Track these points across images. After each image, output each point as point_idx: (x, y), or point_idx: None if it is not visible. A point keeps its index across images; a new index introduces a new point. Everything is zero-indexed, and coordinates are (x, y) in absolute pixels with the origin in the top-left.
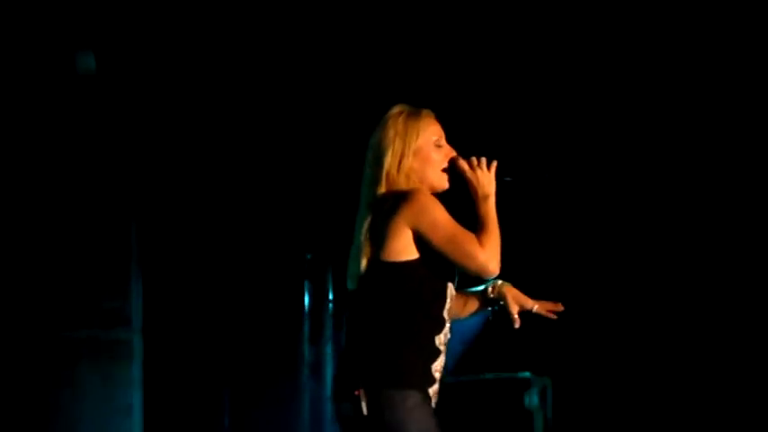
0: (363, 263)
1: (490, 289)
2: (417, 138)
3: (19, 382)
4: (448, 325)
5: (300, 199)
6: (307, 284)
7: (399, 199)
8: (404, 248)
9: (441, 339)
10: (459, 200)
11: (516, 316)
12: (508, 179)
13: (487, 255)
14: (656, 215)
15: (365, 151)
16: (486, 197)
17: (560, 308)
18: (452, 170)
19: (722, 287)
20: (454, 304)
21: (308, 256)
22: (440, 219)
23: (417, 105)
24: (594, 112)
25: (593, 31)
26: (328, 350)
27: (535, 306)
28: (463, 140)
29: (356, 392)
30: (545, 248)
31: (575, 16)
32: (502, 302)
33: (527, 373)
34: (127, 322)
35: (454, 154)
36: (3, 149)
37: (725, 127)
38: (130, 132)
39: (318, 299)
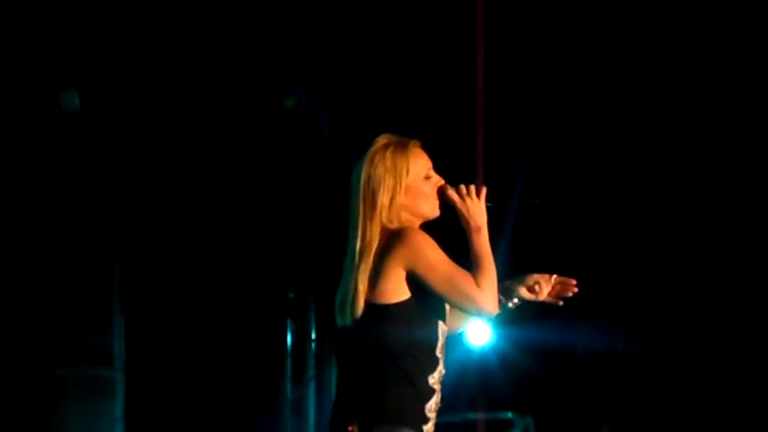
0: (355, 302)
1: (510, 305)
2: (408, 174)
3: (2, 420)
4: (442, 363)
5: (283, 237)
6: (289, 323)
7: (393, 239)
8: (394, 289)
9: (435, 378)
10: (451, 227)
11: (547, 298)
12: (490, 204)
13: (484, 295)
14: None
15: (349, 185)
16: (478, 229)
17: (573, 285)
18: (442, 199)
19: (708, 331)
20: (455, 321)
21: (291, 295)
22: (436, 260)
23: (403, 133)
24: (583, 135)
25: (581, 58)
26: (310, 389)
27: (544, 290)
28: (450, 165)
29: (349, 428)
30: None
31: (562, 44)
32: (519, 301)
33: (509, 414)
34: (110, 360)
35: (443, 182)
36: None
37: (710, 165)
38: (114, 169)
39: (301, 337)
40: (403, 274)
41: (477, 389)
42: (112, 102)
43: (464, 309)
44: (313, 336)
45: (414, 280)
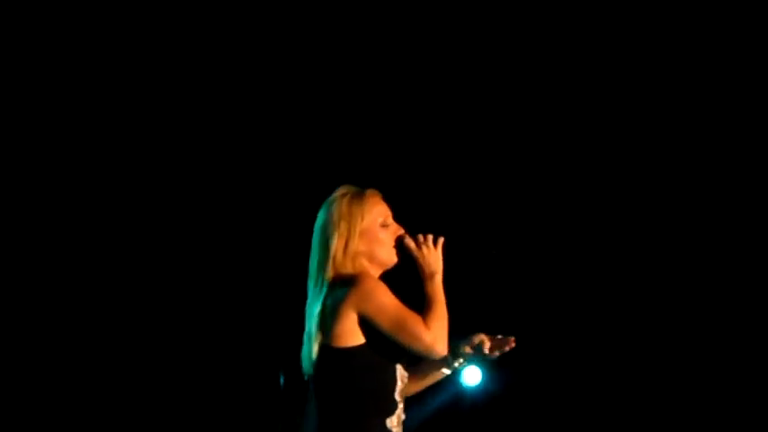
0: (315, 348)
1: (456, 364)
2: (362, 220)
3: None
4: (401, 406)
5: (277, 269)
6: (282, 369)
7: (345, 285)
8: (350, 333)
9: (393, 422)
10: (409, 276)
11: (487, 353)
12: (494, 252)
13: (433, 336)
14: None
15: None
16: (432, 275)
17: (511, 344)
18: (400, 248)
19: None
20: (412, 382)
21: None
22: (385, 302)
23: (368, 183)
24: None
25: (539, 106)
26: None
27: (485, 347)
28: (412, 216)
29: None
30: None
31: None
32: (464, 360)
33: None
34: None
35: (402, 231)
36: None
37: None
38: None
39: (293, 382)
40: (355, 318)
41: (468, 428)
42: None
43: (414, 350)
44: (305, 377)
45: (366, 324)
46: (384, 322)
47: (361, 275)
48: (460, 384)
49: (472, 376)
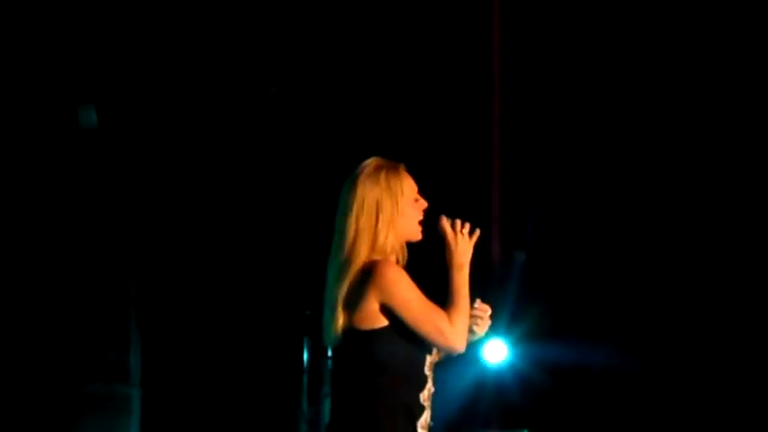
0: (338, 326)
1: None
2: (402, 194)
3: None
4: (431, 380)
5: (300, 255)
6: (306, 340)
7: (369, 271)
8: (373, 317)
9: (424, 395)
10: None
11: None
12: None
13: (455, 332)
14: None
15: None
16: (460, 267)
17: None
18: (430, 225)
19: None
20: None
21: (308, 313)
22: (410, 296)
23: (396, 158)
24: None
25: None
26: (326, 406)
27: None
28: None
29: None
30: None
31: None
32: None
33: (525, 431)
34: (126, 377)
35: (426, 206)
36: (6, 204)
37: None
38: (132, 186)
39: (317, 354)
40: (377, 305)
41: (493, 406)
42: (131, 121)
43: (434, 343)
44: (329, 353)
45: (388, 311)
46: (407, 317)
47: (383, 265)
48: (482, 363)
49: (495, 354)
